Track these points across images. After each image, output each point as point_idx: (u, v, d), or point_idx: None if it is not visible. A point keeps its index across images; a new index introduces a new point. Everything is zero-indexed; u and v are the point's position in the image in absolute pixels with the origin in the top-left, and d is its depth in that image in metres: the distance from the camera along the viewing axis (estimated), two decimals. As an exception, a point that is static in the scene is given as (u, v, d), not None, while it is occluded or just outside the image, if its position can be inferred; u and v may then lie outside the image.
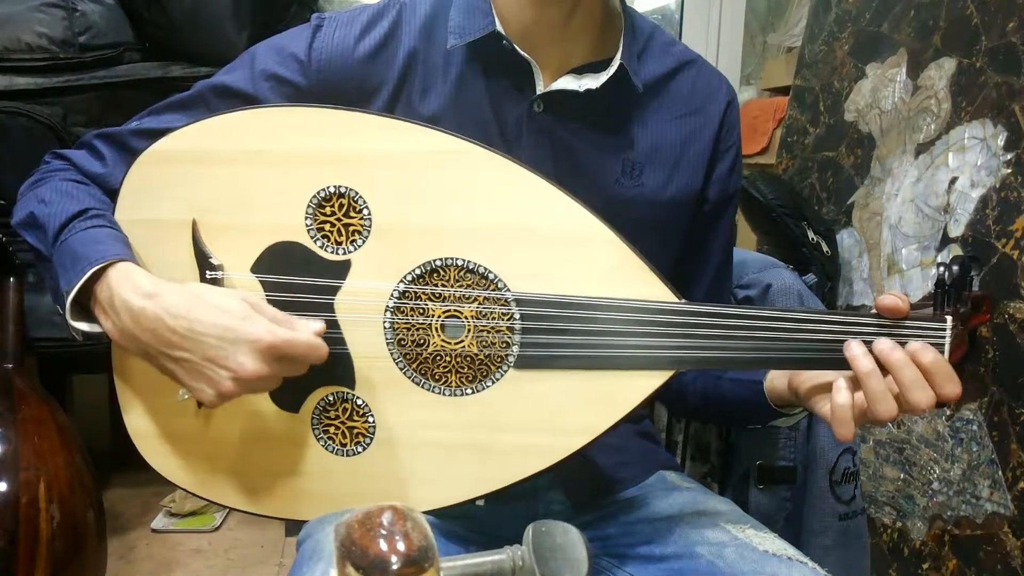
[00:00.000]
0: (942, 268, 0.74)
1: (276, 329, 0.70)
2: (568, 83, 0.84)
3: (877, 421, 0.70)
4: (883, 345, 0.70)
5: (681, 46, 0.94)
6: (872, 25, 1.72)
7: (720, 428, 1.18)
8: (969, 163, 1.34)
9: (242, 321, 0.70)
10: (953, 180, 1.36)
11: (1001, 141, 1.27)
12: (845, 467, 1.12)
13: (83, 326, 0.77)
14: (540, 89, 0.84)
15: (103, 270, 0.75)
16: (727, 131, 0.92)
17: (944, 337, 0.72)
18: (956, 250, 1.33)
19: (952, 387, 0.69)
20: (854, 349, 0.71)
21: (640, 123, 0.88)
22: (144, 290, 0.73)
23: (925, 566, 1.34)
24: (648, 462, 0.96)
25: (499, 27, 0.82)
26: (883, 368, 0.70)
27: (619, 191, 0.87)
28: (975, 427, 1.26)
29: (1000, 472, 1.21)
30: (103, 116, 1.70)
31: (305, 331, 0.72)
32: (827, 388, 0.75)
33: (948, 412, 1.31)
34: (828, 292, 1.66)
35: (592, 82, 0.84)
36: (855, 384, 0.72)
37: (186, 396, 0.79)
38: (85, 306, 0.77)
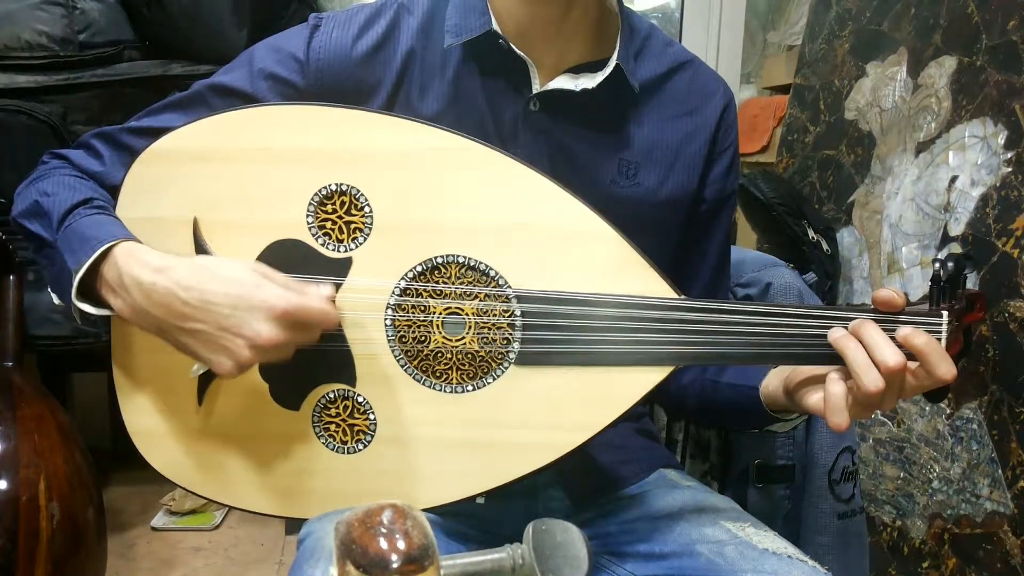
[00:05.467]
0: (937, 264, 0.74)
1: (289, 295, 0.71)
2: (564, 82, 0.84)
3: (865, 397, 0.70)
4: (867, 327, 0.71)
5: (678, 47, 0.94)
6: (872, 23, 1.72)
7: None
8: (969, 162, 1.34)
9: (255, 289, 0.71)
10: (953, 179, 1.36)
11: (1001, 140, 1.27)
12: (844, 466, 1.12)
13: (87, 307, 0.77)
14: (536, 88, 0.84)
15: (108, 251, 0.75)
16: (724, 133, 0.92)
17: (940, 332, 0.72)
18: (956, 249, 1.33)
19: (946, 367, 0.69)
20: (836, 331, 0.72)
21: (636, 123, 0.88)
22: (153, 265, 0.73)
23: (925, 565, 1.34)
24: (648, 460, 0.96)
25: (495, 26, 0.82)
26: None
27: (615, 190, 0.87)
28: (975, 426, 1.26)
29: (1000, 471, 1.21)
30: (103, 114, 1.70)
31: (317, 297, 0.73)
32: (817, 381, 0.75)
33: (948, 411, 1.31)
34: (828, 291, 1.66)
35: (588, 82, 0.83)
36: (847, 374, 0.72)
37: (200, 371, 0.78)
38: (90, 289, 0.77)
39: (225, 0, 1.70)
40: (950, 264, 0.74)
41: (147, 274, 0.73)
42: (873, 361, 0.69)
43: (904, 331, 0.70)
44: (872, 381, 0.69)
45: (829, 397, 0.72)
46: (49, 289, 0.83)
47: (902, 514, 1.40)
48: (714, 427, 1.16)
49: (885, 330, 0.71)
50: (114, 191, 0.82)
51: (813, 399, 0.75)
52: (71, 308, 0.77)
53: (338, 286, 0.78)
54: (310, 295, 0.72)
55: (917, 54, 1.53)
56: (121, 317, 0.76)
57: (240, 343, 0.70)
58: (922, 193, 1.44)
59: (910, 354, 0.70)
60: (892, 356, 0.68)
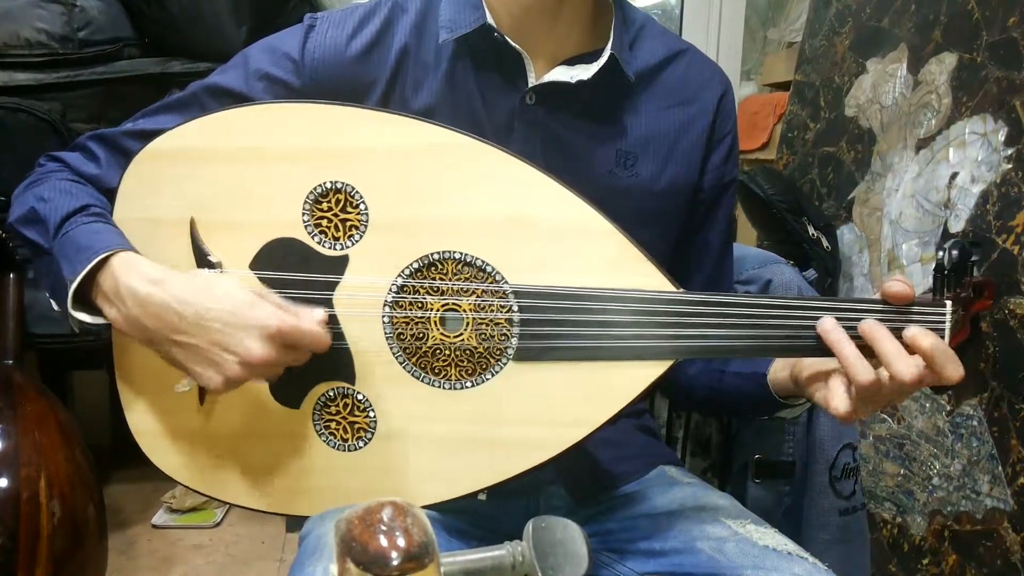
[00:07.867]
0: (941, 253, 0.72)
1: (282, 315, 0.71)
2: (560, 74, 0.84)
3: (860, 389, 0.69)
4: (865, 324, 0.70)
5: (673, 36, 0.94)
6: (873, 20, 1.71)
7: (720, 423, 1.18)
8: (969, 158, 1.33)
9: (249, 307, 0.71)
10: (953, 175, 1.36)
11: (1001, 136, 1.27)
12: (845, 463, 1.12)
13: (83, 316, 0.77)
14: (532, 81, 0.84)
15: (106, 260, 0.75)
16: (721, 120, 0.91)
17: (944, 322, 0.71)
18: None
19: (953, 368, 0.68)
20: (825, 323, 0.71)
21: (633, 113, 0.88)
22: (150, 277, 0.74)
23: (925, 561, 1.34)
24: (648, 457, 0.96)
25: (490, 20, 0.82)
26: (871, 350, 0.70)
27: (613, 181, 0.87)
28: (975, 422, 1.26)
29: (1000, 467, 1.21)
30: (102, 112, 1.70)
31: (309, 319, 0.73)
32: (826, 376, 0.75)
33: (948, 408, 1.31)
34: (828, 288, 1.66)
35: (583, 73, 0.83)
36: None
37: (186, 388, 0.78)
38: (86, 297, 0.77)
39: (225, -3, 1.70)
40: (954, 252, 0.72)
41: (143, 286, 0.73)
42: (890, 373, 0.68)
43: (911, 332, 0.69)
44: (864, 374, 0.68)
45: (831, 388, 0.72)
46: (47, 295, 0.83)
47: (902, 511, 1.40)
48: (725, 416, 1.16)
49: (890, 322, 0.70)
50: (111, 193, 0.82)
51: (819, 394, 0.75)
52: (67, 316, 0.77)
53: (335, 285, 0.78)
54: (303, 316, 0.73)
55: (917, 51, 1.53)
56: (114, 326, 0.76)
57: (230, 359, 0.70)
58: (922, 190, 1.44)
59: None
60: (907, 370, 0.67)
